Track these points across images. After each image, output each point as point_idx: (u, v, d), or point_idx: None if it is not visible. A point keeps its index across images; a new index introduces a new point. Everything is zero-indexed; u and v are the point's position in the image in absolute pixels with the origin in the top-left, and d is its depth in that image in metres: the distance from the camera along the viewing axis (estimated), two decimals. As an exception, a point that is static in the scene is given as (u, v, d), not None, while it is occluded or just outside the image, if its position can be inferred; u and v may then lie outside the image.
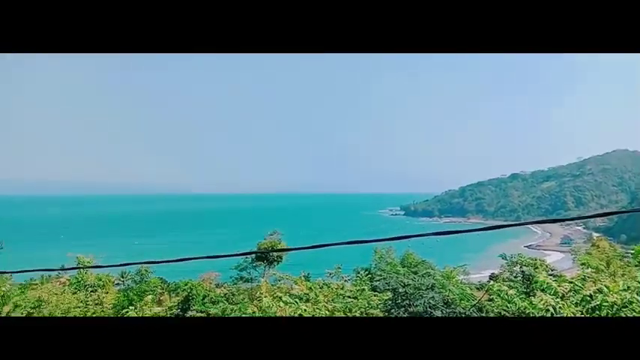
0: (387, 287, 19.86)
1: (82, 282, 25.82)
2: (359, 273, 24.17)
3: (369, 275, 23.91)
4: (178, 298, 27.78)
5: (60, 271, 26.10)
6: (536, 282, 12.03)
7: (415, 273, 22.11)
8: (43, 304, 20.71)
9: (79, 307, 21.50)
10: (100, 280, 26.22)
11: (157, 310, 19.91)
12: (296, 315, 11.34)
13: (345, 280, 19.73)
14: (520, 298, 11.70)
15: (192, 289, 27.49)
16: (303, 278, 16.56)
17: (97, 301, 23.42)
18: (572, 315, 9.30)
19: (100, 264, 23.07)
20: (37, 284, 25.98)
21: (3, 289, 20.53)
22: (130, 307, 18.51)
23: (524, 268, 22.17)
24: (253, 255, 29.75)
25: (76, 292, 24.77)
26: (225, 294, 28.33)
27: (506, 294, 12.13)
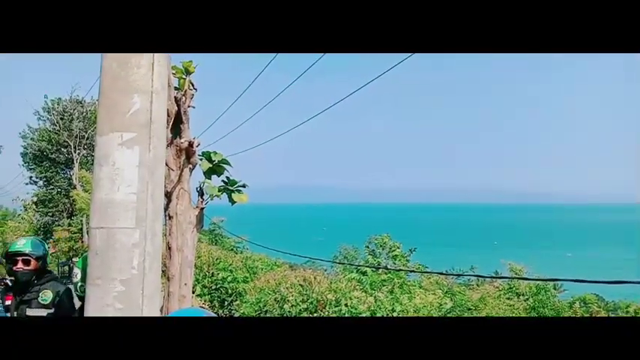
0: None
1: (513, 289, 27.28)
2: None
3: None
4: (619, 321, 24.83)
5: (492, 278, 28.50)
6: None
7: None
8: (481, 305, 23.25)
9: (513, 314, 22.76)
10: (531, 288, 26.89)
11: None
12: None
13: None
14: None
15: (637, 314, 24.11)
16: None
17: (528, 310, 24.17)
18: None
19: (527, 275, 23.69)
20: (473, 286, 29.29)
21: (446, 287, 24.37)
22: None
23: None
24: None
25: (510, 299, 26.37)
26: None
27: None
